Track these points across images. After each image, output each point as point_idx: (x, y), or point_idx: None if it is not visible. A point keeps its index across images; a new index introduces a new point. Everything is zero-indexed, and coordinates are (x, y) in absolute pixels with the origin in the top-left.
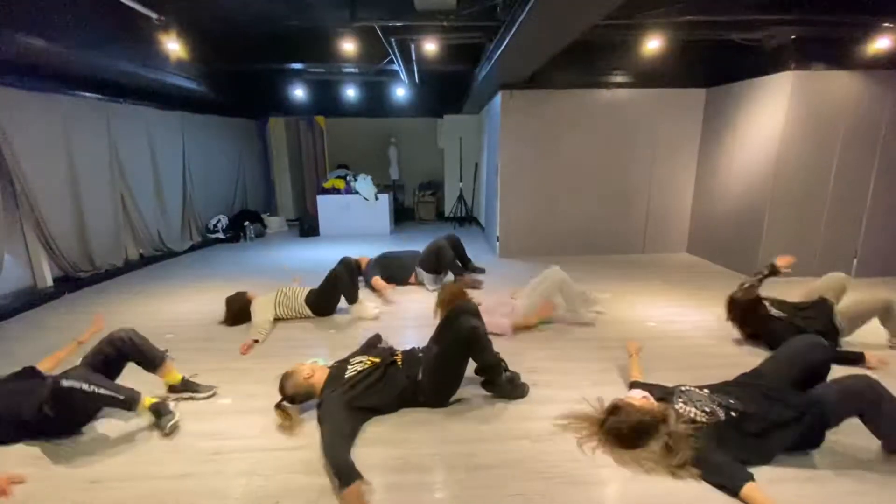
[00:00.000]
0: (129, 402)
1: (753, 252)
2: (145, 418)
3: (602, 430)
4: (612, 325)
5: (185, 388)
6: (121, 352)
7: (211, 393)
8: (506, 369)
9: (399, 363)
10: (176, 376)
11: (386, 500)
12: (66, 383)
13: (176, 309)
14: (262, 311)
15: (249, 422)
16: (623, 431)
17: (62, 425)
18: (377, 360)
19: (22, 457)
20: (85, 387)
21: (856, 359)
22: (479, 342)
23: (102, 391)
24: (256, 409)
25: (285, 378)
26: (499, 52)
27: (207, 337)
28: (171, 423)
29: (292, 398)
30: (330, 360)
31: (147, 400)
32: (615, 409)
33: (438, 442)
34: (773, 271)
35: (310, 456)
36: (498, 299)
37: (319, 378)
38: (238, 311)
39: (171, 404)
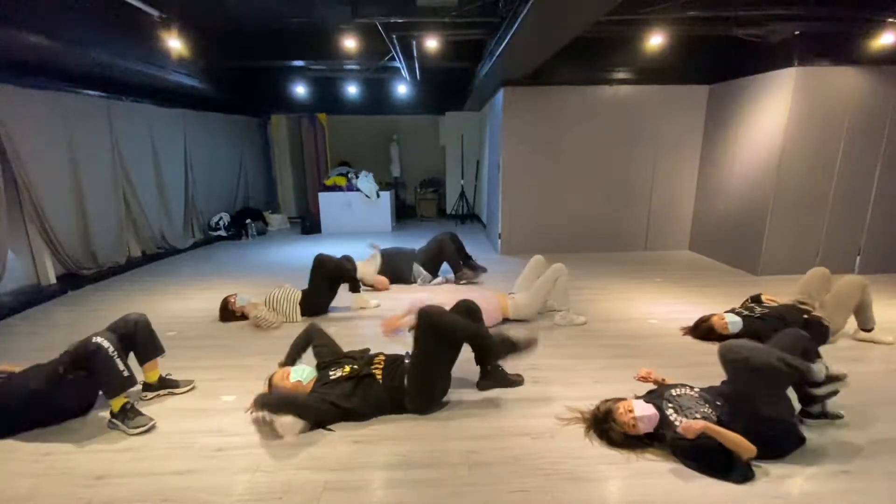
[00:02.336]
0: (130, 381)
1: (756, 249)
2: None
3: (594, 429)
4: (613, 323)
5: (163, 385)
6: (132, 332)
7: (190, 387)
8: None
9: (378, 376)
10: (156, 374)
11: (387, 496)
12: (96, 339)
13: (178, 306)
14: (260, 315)
15: (253, 418)
16: (613, 438)
17: (72, 395)
18: (355, 368)
19: (29, 453)
20: (110, 350)
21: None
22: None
23: (118, 361)
24: None
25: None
26: (500, 48)
27: (210, 334)
28: (144, 427)
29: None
30: (315, 373)
31: (119, 401)
32: (608, 414)
33: (440, 439)
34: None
35: (313, 452)
36: (481, 294)
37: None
38: (223, 311)
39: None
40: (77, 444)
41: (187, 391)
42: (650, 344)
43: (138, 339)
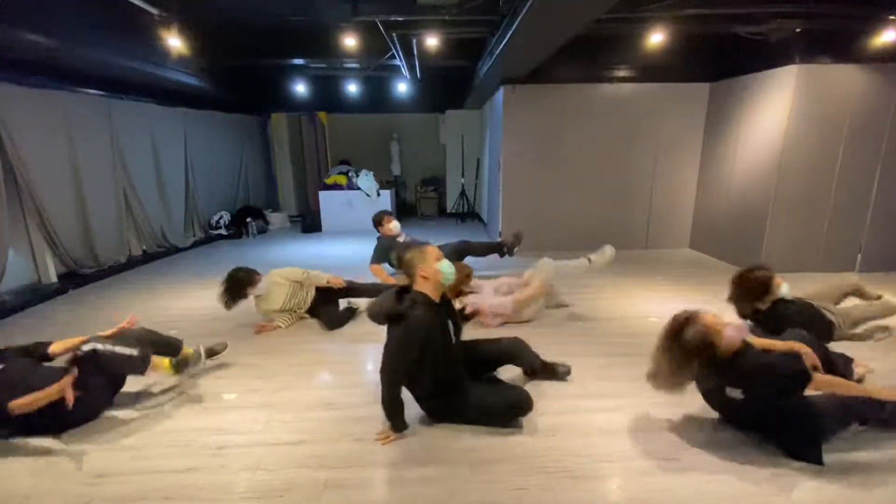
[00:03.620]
0: (144, 360)
1: (756, 247)
2: (167, 376)
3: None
4: (614, 321)
5: (209, 354)
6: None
7: (224, 349)
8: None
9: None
10: (190, 350)
11: (388, 494)
12: (86, 347)
13: (179, 304)
14: (272, 302)
15: (254, 417)
16: (687, 339)
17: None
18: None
19: (30, 451)
20: (100, 347)
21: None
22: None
23: (119, 350)
24: (261, 404)
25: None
26: (501, 46)
27: (211, 333)
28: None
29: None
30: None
31: (164, 361)
32: (688, 320)
33: (440, 437)
34: None
35: (314, 450)
36: (506, 280)
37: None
38: (233, 289)
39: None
40: (77, 443)
41: (223, 352)
42: (651, 342)
43: (157, 347)
